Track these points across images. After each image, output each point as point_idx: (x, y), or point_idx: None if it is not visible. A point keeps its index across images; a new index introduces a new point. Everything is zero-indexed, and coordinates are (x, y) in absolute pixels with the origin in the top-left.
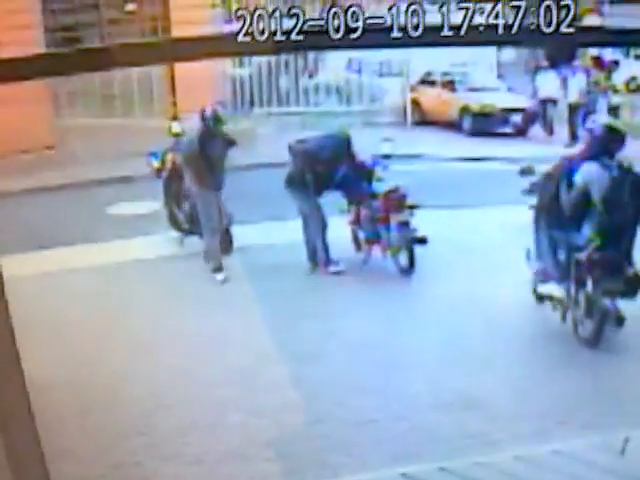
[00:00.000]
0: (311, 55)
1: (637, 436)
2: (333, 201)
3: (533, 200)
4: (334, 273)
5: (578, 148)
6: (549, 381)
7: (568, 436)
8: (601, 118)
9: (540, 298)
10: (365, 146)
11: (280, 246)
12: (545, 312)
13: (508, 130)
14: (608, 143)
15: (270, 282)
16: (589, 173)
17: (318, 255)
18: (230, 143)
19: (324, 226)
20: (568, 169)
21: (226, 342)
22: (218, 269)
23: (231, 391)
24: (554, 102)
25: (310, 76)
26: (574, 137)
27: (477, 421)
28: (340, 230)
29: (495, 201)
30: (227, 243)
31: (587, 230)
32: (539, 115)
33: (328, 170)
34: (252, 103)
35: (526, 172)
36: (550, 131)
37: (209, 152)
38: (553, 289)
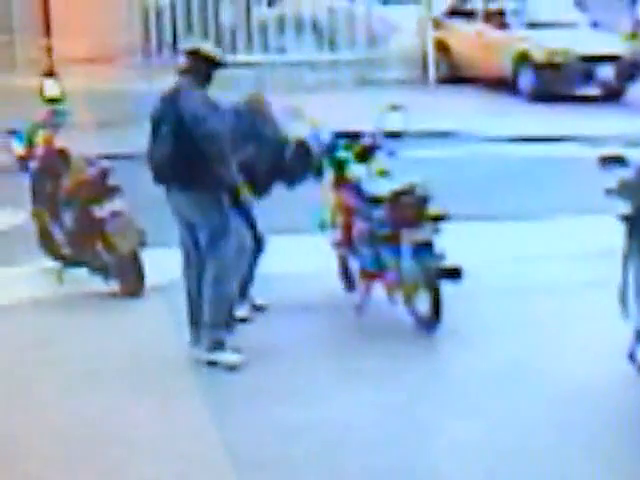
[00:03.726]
0: None
1: None
2: (306, 209)
3: (624, 206)
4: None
5: None
6: None
7: None
8: None
9: None
10: (360, 117)
11: None
12: None
13: (592, 91)
14: None
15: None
16: None
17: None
18: None
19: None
20: None
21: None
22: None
23: None
24: None
25: (270, 4)
26: None
27: None
28: (321, 256)
29: (568, 207)
30: (135, 277)
31: None
32: None
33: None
34: (176, 47)
35: (611, 162)
36: None
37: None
38: None
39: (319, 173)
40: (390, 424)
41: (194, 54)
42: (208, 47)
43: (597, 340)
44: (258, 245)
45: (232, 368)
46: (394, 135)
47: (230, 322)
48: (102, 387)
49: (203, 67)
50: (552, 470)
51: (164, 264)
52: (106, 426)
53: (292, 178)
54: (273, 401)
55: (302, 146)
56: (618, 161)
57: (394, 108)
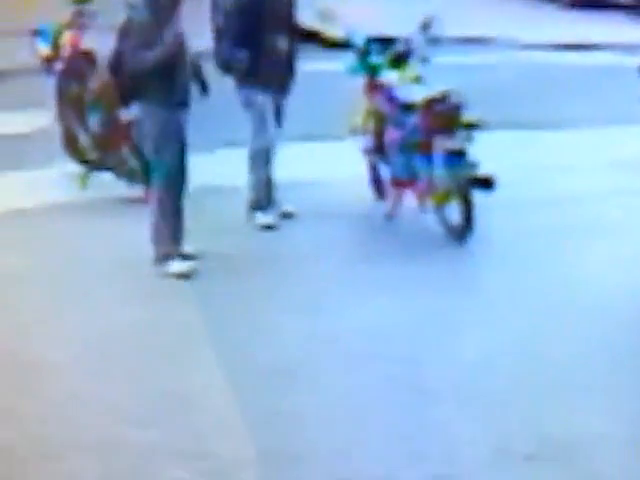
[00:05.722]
0: None
1: None
2: (338, 114)
3: None
4: (266, 227)
5: None
6: None
7: None
8: None
9: None
10: (394, 22)
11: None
12: None
13: None
14: None
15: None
16: None
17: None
18: None
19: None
20: None
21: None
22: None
23: None
24: None
25: None
26: None
27: None
28: (352, 163)
29: (604, 117)
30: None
31: None
32: None
33: None
34: None
35: None
36: None
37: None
38: None
39: None
40: (417, 334)
41: None
42: None
43: (628, 250)
44: None
45: (183, 276)
46: (429, 40)
47: (179, 233)
48: (116, 293)
49: None
50: (574, 380)
51: (194, 169)
52: (120, 336)
53: None
54: (296, 309)
55: None
56: None
57: (428, 15)
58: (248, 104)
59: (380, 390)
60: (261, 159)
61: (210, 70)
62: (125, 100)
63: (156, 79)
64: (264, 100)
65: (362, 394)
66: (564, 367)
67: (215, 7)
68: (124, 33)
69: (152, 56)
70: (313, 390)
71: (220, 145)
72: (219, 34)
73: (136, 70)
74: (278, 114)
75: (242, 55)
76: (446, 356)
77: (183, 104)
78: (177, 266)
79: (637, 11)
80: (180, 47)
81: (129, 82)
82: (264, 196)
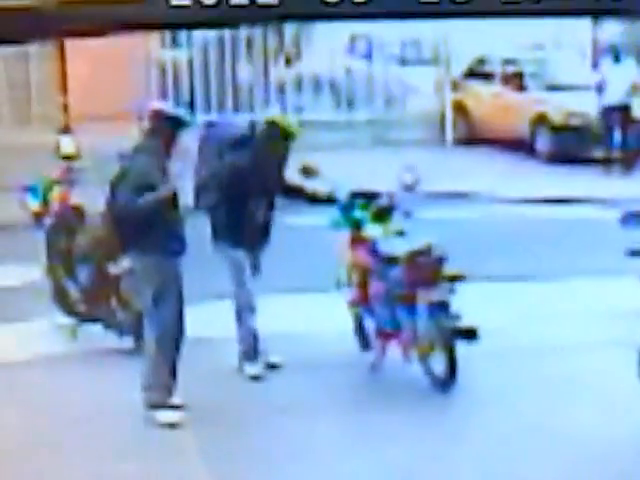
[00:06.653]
0: (289, 29)
1: None
2: (322, 267)
3: None
4: (254, 377)
5: None
6: None
7: None
8: None
9: None
10: (376, 177)
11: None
12: None
13: (610, 154)
14: None
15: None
16: None
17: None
18: None
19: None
20: None
21: None
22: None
23: None
24: None
25: (288, 62)
26: None
27: None
28: (336, 315)
29: (586, 269)
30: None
31: None
32: None
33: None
34: (193, 107)
35: (633, 220)
36: None
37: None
38: None
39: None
40: None
41: (157, 115)
42: (170, 107)
43: (615, 402)
44: None
45: (173, 426)
46: (410, 195)
47: (171, 383)
48: (107, 447)
49: (166, 129)
50: None
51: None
52: None
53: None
54: (284, 460)
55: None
56: None
57: (409, 169)
58: (224, 257)
59: None
60: (245, 311)
61: (198, 222)
62: (124, 248)
63: (152, 226)
64: (238, 254)
65: None
66: None
67: (202, 158)
68: (118, 182)
69: (149, 199)
70: None
71: (211, 297)
72: (201, 184)
73: (133, 216)
74: (254, 267)
75: (220, 215)
76: None
77: (179, 252)
78: (167, 415)
79: (612, 166)
80: (174, 194)
81: (126, 230)
82: (251, 347)
